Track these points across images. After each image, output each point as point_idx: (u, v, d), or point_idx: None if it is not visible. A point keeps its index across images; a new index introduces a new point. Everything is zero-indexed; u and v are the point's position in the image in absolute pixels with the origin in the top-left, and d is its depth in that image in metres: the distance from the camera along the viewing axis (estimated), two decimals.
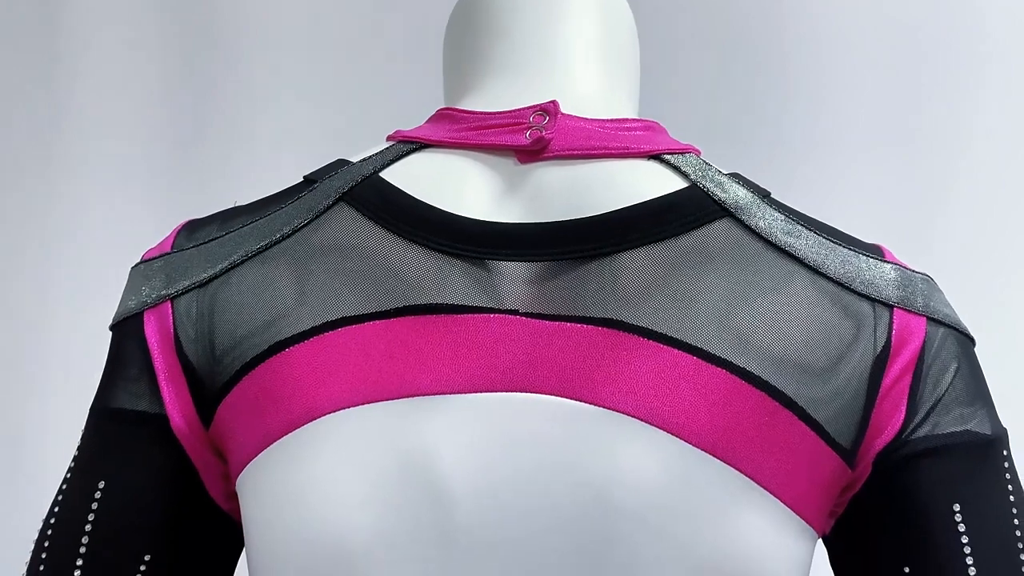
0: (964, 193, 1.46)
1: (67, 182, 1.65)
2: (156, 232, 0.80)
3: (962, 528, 0.70)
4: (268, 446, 0.70)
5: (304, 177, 0.78)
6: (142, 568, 0.73)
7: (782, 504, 0.68)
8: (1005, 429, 0.74)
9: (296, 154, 1.37)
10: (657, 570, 0.66)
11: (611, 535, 0.65)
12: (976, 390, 0.73)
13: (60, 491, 0.77)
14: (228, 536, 0.77)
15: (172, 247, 0.77)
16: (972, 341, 0.75)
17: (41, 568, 0.74)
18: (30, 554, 0.76)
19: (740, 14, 1.52)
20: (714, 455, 0.66)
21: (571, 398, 0.67)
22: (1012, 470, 0.73)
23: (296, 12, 1.62)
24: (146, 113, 1.64)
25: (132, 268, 0.78)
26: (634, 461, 0.66)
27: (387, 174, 0.74)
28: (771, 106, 1.50)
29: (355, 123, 1.51)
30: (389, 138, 0.78)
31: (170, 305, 0.74)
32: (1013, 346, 1.40)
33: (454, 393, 0.68)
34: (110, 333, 0.77)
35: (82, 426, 0.78)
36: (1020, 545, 0.71)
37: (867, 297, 0.71)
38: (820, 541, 0.75)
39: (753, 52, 1.52)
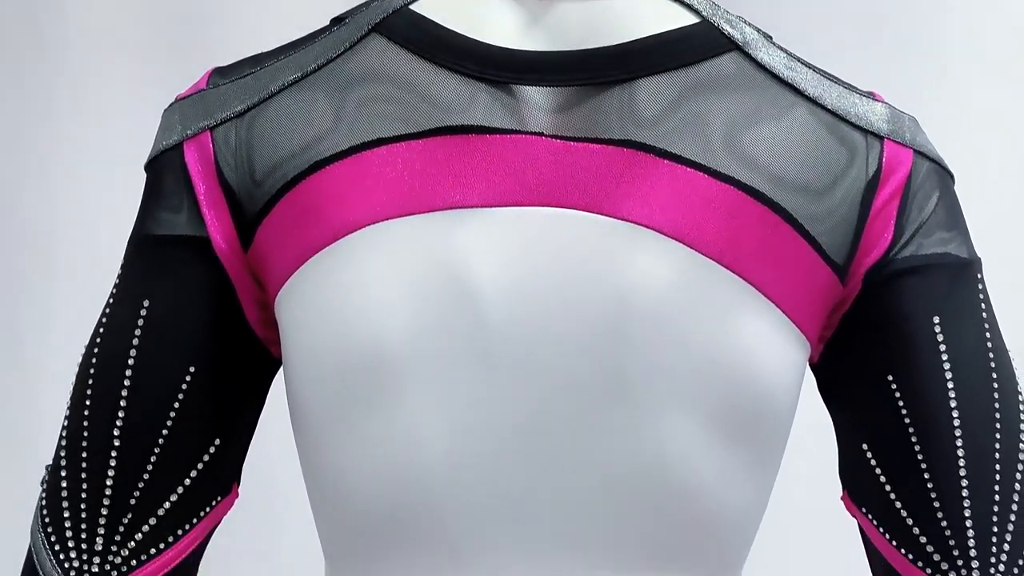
0: (965, 187, 1.50)
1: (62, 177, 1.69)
2: None
3: (940, 338, 0.77)
4: (308, 258, 0.75)
5: (332, 19, 0.82)
6: (187, 379, 0.77)
7: (780, 311, 0.74)
8: (979, 257, 0.81)
9: None
10: (668, 368, 0.72)
11: (628, 335, 0.72)
12: (955, 218, 0.80)
13: (101, 318, 0.80)
14: (262, 361, 0.82)
15: (208, 85, 0.81)
16: (952, 177, 0.82)
17: (90, 382, 0.78)
18: (74, 378, 0.80)
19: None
20: (720, 262, 0.73)
21: (593, 211, 0.73)
22: (984, 292, 0.80)
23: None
24: (136, 108, 1.68)
25: (165, 110, 0.81)
26: (649, 267, 0.72)
27: (417, 6, 0.78)
28: None
29: None
30: None
31: (209, 135, 0.78)
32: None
33: (486, 207, 0.73)
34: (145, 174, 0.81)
35: None
36: (991, 355, 0.78)
37: (860, 128, 0.78)
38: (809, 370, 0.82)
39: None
